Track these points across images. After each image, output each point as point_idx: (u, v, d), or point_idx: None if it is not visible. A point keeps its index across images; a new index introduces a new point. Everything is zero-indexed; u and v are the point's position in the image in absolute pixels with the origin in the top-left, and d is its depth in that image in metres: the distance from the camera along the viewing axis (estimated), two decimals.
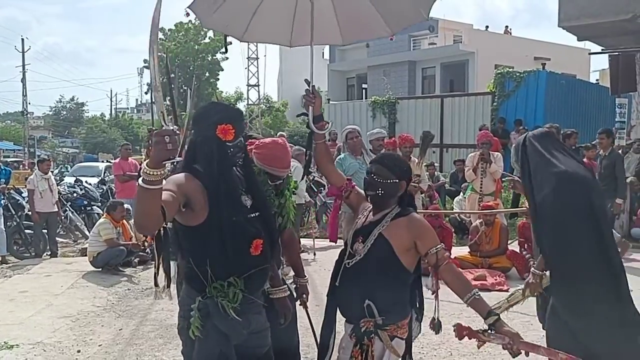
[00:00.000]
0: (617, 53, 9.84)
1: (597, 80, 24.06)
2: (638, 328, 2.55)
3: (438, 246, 2.48)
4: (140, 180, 1.98)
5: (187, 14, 3.25)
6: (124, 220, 7.81)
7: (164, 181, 2.01)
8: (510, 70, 14.57)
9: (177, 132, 1.97)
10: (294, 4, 3.13)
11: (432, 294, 2.59)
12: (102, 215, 8.31)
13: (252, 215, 2.40)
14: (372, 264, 2.48)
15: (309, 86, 2.77)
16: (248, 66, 34.31)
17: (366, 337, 2.46)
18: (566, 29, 10.57)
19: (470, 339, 2.37)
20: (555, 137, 3.65)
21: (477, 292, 2.44)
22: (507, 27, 30.29)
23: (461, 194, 9.00)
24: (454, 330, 2.40)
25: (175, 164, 2.11)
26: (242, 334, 2.33)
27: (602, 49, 11.10)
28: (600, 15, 9.69)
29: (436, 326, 2.58)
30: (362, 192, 2.69)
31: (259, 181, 2.64)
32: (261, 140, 3.09)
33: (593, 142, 9.44)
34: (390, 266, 2.47)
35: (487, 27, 29.70)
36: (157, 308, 5.81)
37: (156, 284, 3.21)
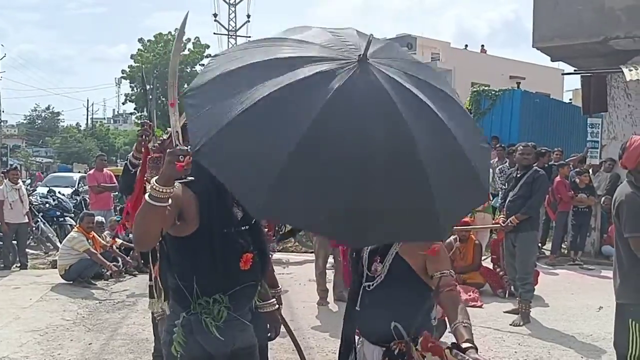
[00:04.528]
0: (589, 74, 10.06)
1: (570, 99, 24.58)
2: None
3: (445, 271, 2.37)
4: (147, 195, 1.93)
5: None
6: (94, 233, 7.72)
7: (170, 200, 1.96)
8: (486, 88, 14.78)
9: (190, 152, 1.90)
10: None
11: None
12: (75, 227, 8.19)
13: (243, 228, 2.36)
14: (395, 285, 2.41)
15: None
16: None
17: (401, 359, 2.38)
18: (540, 49, 10.80)
19: (433, 355, 2.25)
20: None
21: (464, 321, 2.35)
22: (482, 46, 30.93)
23: None
24: (419, 338, 2.34)
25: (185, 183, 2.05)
26: (226, 352, 2.29)
27: (574, 70, 11.35)
28: (574, 37, 9.94)
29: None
30: None
31: None
32: None
33: (567, 161, 9.90)
34: (413, 285, 2.41)
35: (466, 45, 30.24)
36: (128, 322, 5.71)
37: (152, 296, 3.41)
